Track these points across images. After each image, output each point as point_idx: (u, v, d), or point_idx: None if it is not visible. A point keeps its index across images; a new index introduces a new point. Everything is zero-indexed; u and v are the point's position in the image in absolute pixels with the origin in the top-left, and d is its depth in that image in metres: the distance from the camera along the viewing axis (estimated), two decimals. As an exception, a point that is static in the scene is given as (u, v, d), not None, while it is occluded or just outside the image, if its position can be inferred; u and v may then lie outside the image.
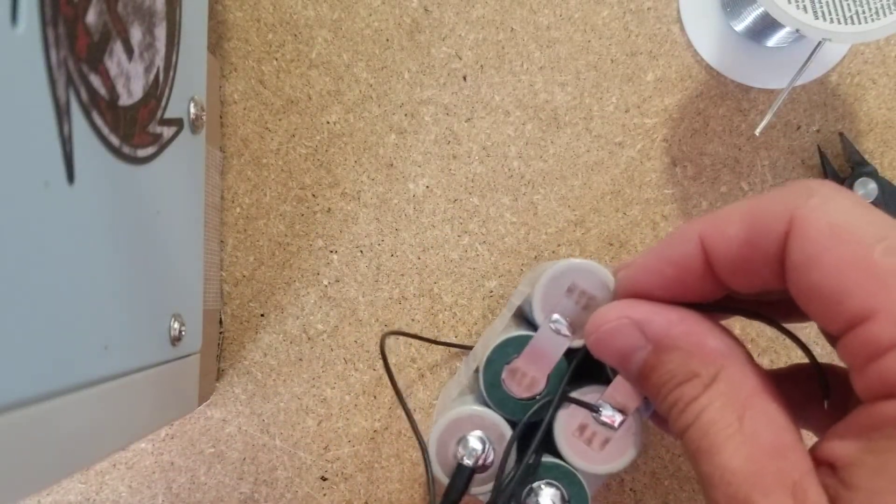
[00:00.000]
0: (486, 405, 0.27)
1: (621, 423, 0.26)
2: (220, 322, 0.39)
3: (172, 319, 0.29)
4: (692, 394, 0.20)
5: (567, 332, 0.26)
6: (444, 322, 0.39)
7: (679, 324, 0.21)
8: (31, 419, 0.19)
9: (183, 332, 0.30)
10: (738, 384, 0.19)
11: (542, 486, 0.26)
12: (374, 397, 0.39)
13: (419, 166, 0.39)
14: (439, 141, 0.39)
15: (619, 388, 0.26)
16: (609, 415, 0.26)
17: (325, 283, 0.39)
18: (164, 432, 0.39)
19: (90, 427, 0.23)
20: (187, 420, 0.39)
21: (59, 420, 0.21)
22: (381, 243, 0.39)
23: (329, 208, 0.39)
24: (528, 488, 0.26)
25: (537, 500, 0.26)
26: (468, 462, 0.26)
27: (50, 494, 0.39)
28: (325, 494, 0.39)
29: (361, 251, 0.39)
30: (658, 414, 0.26)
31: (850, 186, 0.37)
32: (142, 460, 0.39)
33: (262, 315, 0.39)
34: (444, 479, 0.27)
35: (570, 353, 0.26)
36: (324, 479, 0.39)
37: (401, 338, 0.39)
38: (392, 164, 0.39)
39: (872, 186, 0.37)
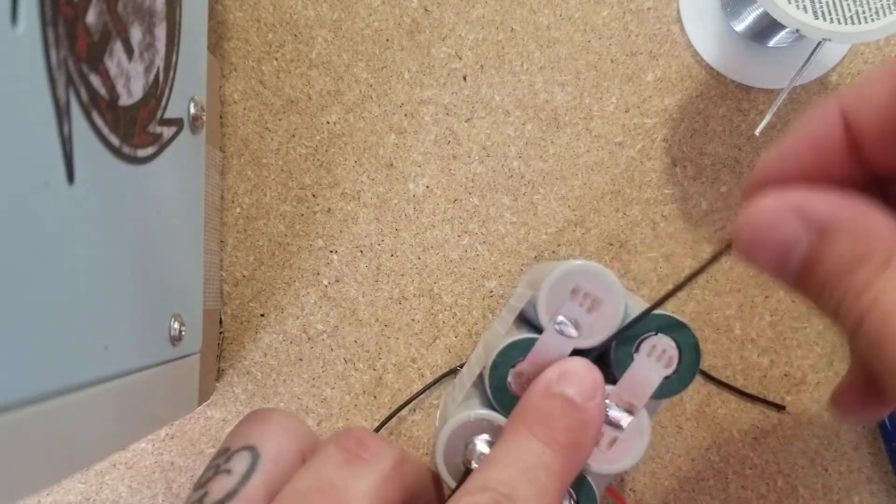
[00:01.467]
0: (493, 409, 0.27)
1: (628, 423, 0.26)
2: (220, 322, 0.39)
3: (172, 319, 0.29)
4: (866, 278, 0.17)
5: (572, 334, 0.26)
6: (443, 322, 0.39)
7: (843, 205, 0.18)
8: (30, 419, 0.19)
9: (183, 332, 0.30)
10: None
11: None
12: (374, 397, 0.39)
13: (419, 166, 0.39)
14: (439, 141, 0.39)
15: (626, 387, 0.26)
16: (615, 415, 0.26)
17: (325, 283, 0.39)
18: (164, 432, 0.39)
19: (90, 427, 0.23)
20: (187, 420, 0.39)
21: (59, 420, 0.21)
22: (381, 243, 0.39)
23: (329, 208, 0.39)
24: None
25: None
26: (476, 466, 0.26)
27: (50, 494, 0.39)
28: None
29: (361, 251, 0.39)
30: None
31: None
32: (142, 460, 0.39)
33: (262, 315, 0.39)
34: (451, 483, 0.27)
35: (575, 354, 0.26)
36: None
37: (400, 337, 0.39)
38: (392, 164, 0.39)
39: None
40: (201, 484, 0.20)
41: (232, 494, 0.19)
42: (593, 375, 0.23)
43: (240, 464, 0.20)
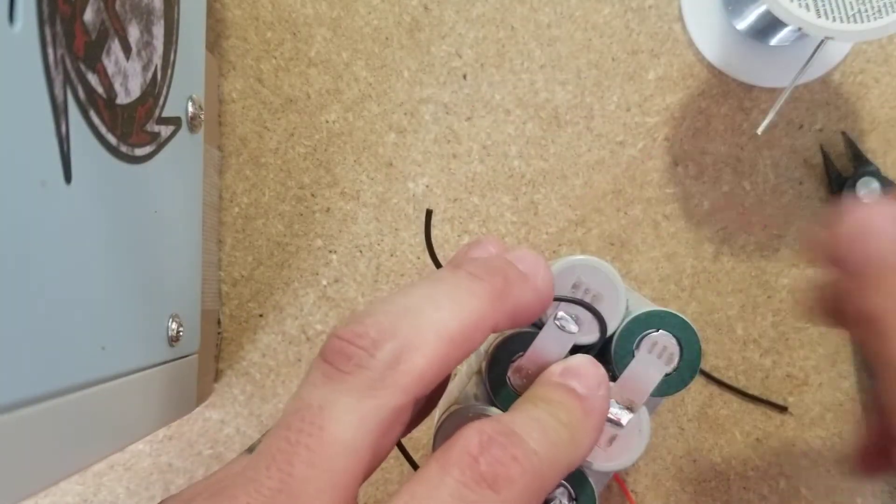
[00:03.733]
0: (492, 404, 0.27)
1: (628, 420, 0.25)
2: (219, 322, 0.39)
3: (170, 320, 0.29)
4: None
5: (573, 329, 0.26)
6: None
7: None
8: (28, 420, 0.19)
9: (181, 333, 0.30)
10: None
11: None
12: (374, 398, 0.39)
13: (419, 165, 0.39)
14: (439, 140, 0.39)
15: (626, 384, 0.25)
16: (615, 412, 0.25)
17: (324, 283, 0.39)
18: (162, 433, 0.39)
19: (88, 428, 0.23)
20: (185, 421, 0.39)
21: (57, 421, 0.21)
22: (380, 243, 0.39)
23: (328, 208, 0.39)
24: None
25: (545, 498, 0.26)
26: None
27: (48, 496, 0.38)
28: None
29: (361, 251, 0.39)
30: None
31: (854, 186, 0.37)
32: (139, 462, 0.39)
33: (260, 315, 0.39)
34: None
35: (575, 350, 0.26)
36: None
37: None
38: (391, 164, 0.39)
39: (875, 185, 0.37)
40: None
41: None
42: (597, 370, 0.23)
43: None
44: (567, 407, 0.21)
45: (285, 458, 0.16)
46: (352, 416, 0.17)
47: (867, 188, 0.37)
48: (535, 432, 0.19)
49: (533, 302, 0.21)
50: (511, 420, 0.19)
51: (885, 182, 0.37)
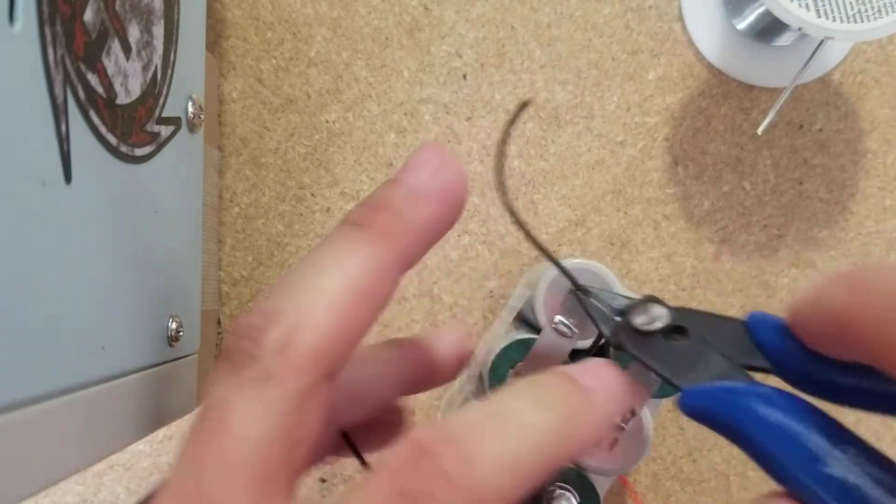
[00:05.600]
0: None
1: (629, 423, 0.25)
2: (219, 322, 0.39)
3: (170, 320, 0.29)
4: None
5: (571, 334, 0.26)
6: (443, 322, 0.39)
7: None
8: (28, 420, 0.19)
9: (181, 333, 0.30)
10: None
11: (555, 491, 0.26)
12: (374, 398, 0.39)
13: (419, 165, 0.39)
14: (439, 140, 0.39)
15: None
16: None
17: (325, 282, 0.39)
18: (162, 434, 0.39)
19: (88, 428, 0.23)
20: (185, 421, 0.39)
21: (57, 421, 0.21)
22: (380, 243, 0.39)
23: (328, 208, 0.39)
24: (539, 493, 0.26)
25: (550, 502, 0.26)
26: None
27: (48, 496, 0.38)
28: (323, 496, 0.39)
29: (361, 251, 0.39)
30: None
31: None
32: (139, 462, 0.38)
33: (260, 315, 0.39)
34: None
35: (574, 355, 0.26)
36: (322, 480, 0.39)
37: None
38: (392, 164, 0.39)
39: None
40: None
41: None
42: (610, 369, 0.20)
43: None
44: (563, 393, 0.18)
45: (197, 461, 0.16)
46: (253, 410, 0.16)
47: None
48: (492, 432, 0.16)
49: (436, 213, 0.18)
50: (463, 420, 0.16)
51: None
